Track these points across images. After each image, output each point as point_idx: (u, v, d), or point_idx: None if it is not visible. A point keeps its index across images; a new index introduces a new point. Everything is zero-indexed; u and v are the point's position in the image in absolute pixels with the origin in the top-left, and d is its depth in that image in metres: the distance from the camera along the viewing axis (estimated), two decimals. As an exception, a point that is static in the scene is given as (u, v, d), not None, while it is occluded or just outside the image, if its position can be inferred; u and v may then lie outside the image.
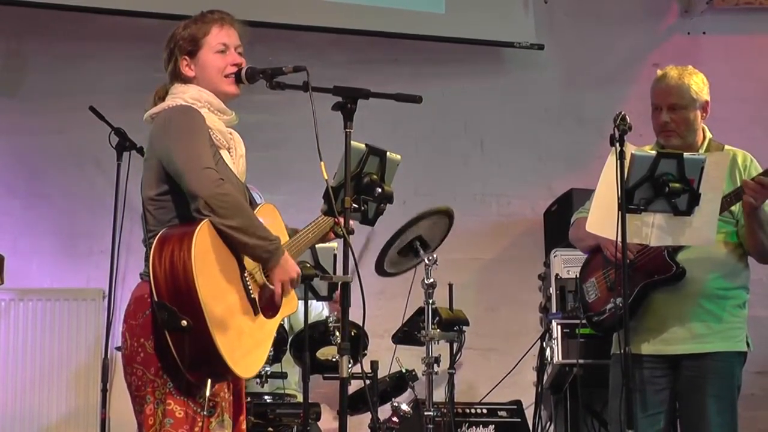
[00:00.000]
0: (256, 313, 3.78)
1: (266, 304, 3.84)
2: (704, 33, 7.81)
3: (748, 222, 4.77)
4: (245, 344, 3.71)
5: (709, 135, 4.99)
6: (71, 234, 7.10)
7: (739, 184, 4.75)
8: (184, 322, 3.52)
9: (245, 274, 3.78)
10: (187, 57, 3.95)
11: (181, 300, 3.54)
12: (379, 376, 5.78)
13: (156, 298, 3.57)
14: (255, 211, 3.87)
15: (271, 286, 3.83)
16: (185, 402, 3.66)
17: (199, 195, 3.63)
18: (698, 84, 4.94)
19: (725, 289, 4.85)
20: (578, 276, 5.23)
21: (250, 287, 3.78)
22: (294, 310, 4.02)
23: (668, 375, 4.87)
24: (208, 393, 3.64)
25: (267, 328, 3.86)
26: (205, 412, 3.65)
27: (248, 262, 3.79)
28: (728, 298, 4.86)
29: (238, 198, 3.75)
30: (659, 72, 5.02)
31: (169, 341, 3.56)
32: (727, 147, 4.95)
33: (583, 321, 5.34)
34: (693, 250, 4.76)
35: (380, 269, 5.67)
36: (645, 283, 4.82)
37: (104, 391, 6.11)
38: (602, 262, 4.98)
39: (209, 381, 3.64)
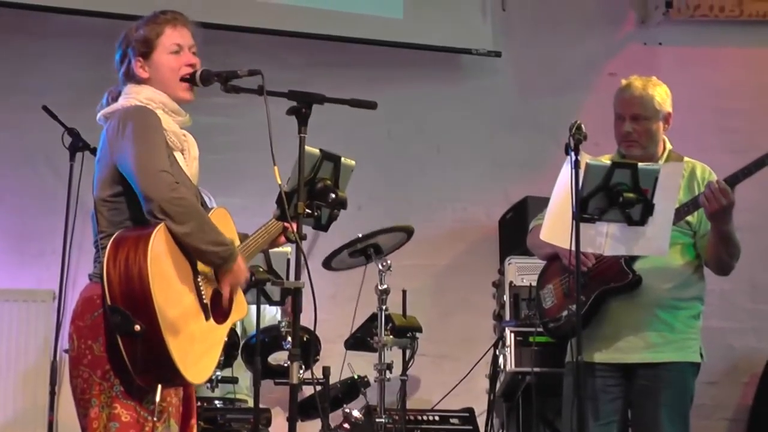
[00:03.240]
0: (207, 318, 3.74)
1: (217, 310, 3.80)
2: (660, 44, 7.83)
3: (711, 232, 4.77)
4: (197, 350, 3.67)
5: (669, 146, 5.00)
6: (22, 234, 7.02)
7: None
8: (137, 327, 3.48)
9: (198, 279, 3.74)
10: (141, 58, 3.89)
11: (135, 304, 3.50)
12: (330, 382, 5.75)
13: (109, 302, 3.52)
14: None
15: (221, 291, 3.80)
16: (132, 406, 3.61)
17: (154, 198, 3.59)
18: (662, 95, 4.96)
19: (680, 300, 4.87)
20: (536, 282, 5.23)
21: (202, 292, 3.74)
22: (244, 314, 4.00)
23: (621, 384, 4.87)
24: (158, 398, 3.60)
25: (218, 334, 3.82)
26: (153, 417, 3.61)
27: (201, 266, 3.75)
28: (683, 308, 4.88)
29: (193, 202, 3.71)
30: (624, 82, 5.03)
31: (120, 345, 3.52)
32: (686, 159, 4.97)
33: (539, 328, 5.33)
34: (650, 260, 4.76)
35: (327, 264, 5.67)
36: (601, 291, 4.82)
37: (52, 393, 6.05)
38: (560, 269, 4.98)
39: (159, 386, 3.60)
